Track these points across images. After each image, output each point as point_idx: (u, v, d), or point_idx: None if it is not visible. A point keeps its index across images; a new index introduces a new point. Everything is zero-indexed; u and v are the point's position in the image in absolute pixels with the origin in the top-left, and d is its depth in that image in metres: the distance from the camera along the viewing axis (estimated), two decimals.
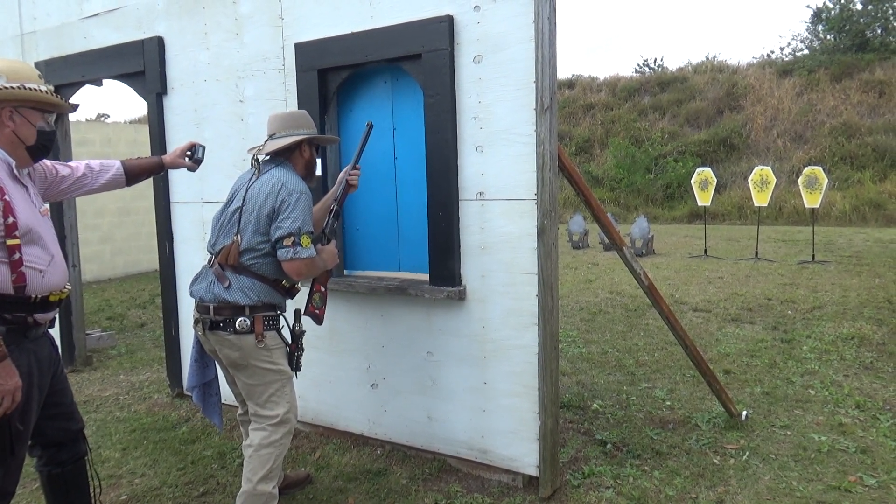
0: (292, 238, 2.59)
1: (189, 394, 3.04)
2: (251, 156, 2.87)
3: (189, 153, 2.99)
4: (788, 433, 3.79)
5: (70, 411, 2.47)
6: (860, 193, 17.13)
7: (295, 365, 2.83)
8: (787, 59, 23.71)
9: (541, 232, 2.95)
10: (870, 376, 4.74)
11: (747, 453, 3.53)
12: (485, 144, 3.07)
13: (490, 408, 3.22)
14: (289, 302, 2.88)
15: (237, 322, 2.63)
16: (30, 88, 2.17)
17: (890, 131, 18.73)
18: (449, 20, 3.04)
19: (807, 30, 24.89)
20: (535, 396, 3.05)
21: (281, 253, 2.61)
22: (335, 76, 3.49)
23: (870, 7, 21.81)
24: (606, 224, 3.44)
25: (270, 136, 2.86)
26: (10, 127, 2.17)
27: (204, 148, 3.04)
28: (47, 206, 2.38)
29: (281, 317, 2.81)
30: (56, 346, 2.41)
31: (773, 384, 4.62)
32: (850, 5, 22.26)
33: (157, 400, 4.55)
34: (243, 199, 2.72)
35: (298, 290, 2.91)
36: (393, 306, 3.45)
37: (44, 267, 2.18)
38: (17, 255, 2.08)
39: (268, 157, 2.85)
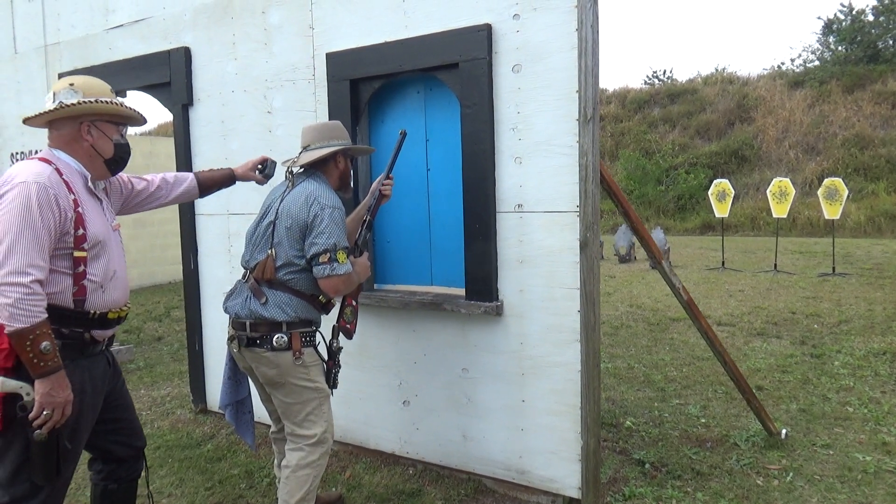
0: (328, 254, 2.51)
1: (221, 412, 2.96)
2: (285, 168, 2.80)
3: (260, 167, 2.97)
4: (831, 453, 3.67)
5: (132, 426, 2.47)
6: (875, 205, 16.99)
7: (332, 382, 2.75)
8: (798, 70, 23.64)
9: (583, 245, 2.86)
10: None
11: (791, 474, 3.41)
12: (524, 155, 2.99)
13: (528, 427, 3.12)
14: (323, 318, 2.80)
15: (274, 339, 2.55)
16: (105, 102, 2.21)
17: None
18: (487, 29, 2.97)
19: (818, 41, 24.83)
20: (577, 415, 2.95)
21: (317, 270, 2.53)
22: (367, 86, 3.43)
23: (881, 18, 21.75)
24: (646, 237, 3.36)
25: (304, 148, 2.78)
26: (88, 141, 2.21)
27: (275, 164, 3.02)
28: (118, 221, 2.41)
29: (318, 333, 2.73)
30: (116, 363, 2.40)
31: (808, 401, 4.51)
32: (862, 16, 22.21)
33: (180, 416, 4.46)
34: (276, 213, 2.65)
35: (333, 306, 2.83)
36: (426, 321, 3.36)
37: (105, 282, 2.18)
38: (81, 268, 2.09)
39: (301, 170, 2.78)
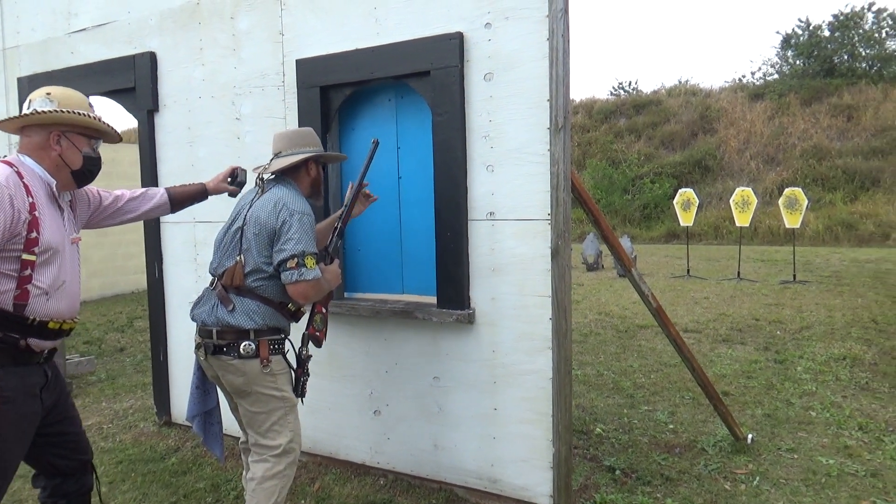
0: (296, 260, 2.47)
1: (189, 423, 2.88)
2: (255, 175, 2.76)
3: (231, 177, 2.95)
4: (795, 456, 3.75)
5: (77, 440, 2.39)
6: (832, 214, 17.50)
7: (300, 390, 2.70)
8: (758, 83, 24.29)
9: (555, 253, 2.88)
10: (867, 397, 4.74)
11: (757, 478, 3.47)
12: (495, 164, 3.00)
13: (500, 435, 3.11)
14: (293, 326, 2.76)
15: (242, 346, 2.50)
16: (79, 114, 2.23)
17: (859, 154, 19.24)
18: (459, 37, 2.98)
19: (777, 55, 25.54)
20: (548, 423, 2.96)
21: (285, 276, 2.49)
22: (338, 93, 3.41)
23: (837, 34, 22.48)
24: (616, 245, 3.39)
25: (276, 155, 2.75)
26: (56, 150, 2.22)
27: (245, 171, 3.00)
28: (80, 235, 2.38)
29: (286, 341, 2.69)
30: (59, 377, 2.32)
31: (773, 406, 4.59)
32: (819, 32, 22.92)
33: (143, 429, 4.34)
34: (245, 219, 2.61)
35: (303, 314, 2.78)
36: (397, 330, 3.34)
37: (51, 291, 2.13)
38: (27, 272, 2.06)
39: (272, 177, 2.74)
